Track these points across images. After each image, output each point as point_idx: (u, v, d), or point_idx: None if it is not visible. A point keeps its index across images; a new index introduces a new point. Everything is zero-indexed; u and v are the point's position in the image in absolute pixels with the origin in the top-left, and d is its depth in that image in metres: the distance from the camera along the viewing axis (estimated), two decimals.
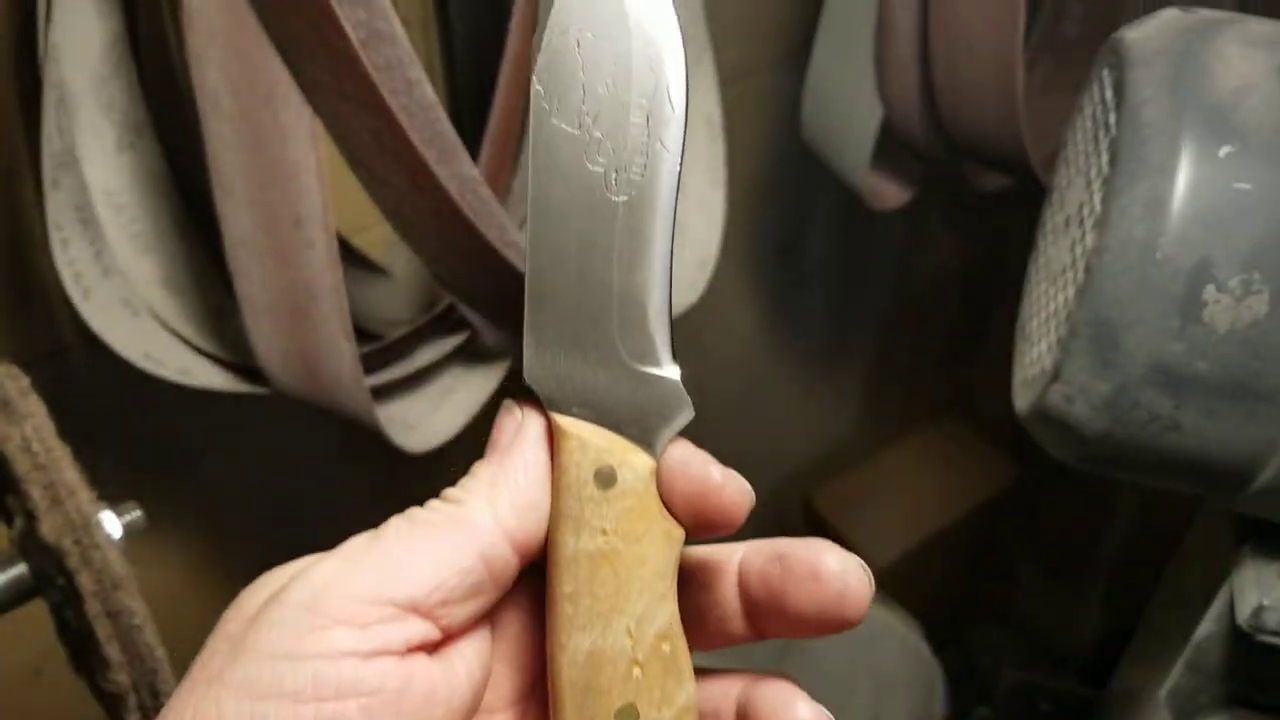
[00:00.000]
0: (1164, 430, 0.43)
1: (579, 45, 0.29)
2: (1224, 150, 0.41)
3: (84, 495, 0.38)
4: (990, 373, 0.67)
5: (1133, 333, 0.42)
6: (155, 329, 0.57)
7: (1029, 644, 1.33)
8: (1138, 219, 0.41)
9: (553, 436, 0.28)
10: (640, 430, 0.28)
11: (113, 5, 0.56)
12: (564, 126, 0.28)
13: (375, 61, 0.48)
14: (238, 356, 0.59)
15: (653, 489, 0.28)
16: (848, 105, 0.70)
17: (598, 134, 0.28)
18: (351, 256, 0.68)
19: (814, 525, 1.25)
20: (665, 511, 0.28)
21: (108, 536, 0.39)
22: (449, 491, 0.28)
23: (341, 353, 0.54)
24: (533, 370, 0.28)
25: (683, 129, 0.29)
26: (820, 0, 0.74)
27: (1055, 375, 0.45)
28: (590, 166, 0.28)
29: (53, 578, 0.39)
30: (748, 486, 0.28)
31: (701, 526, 0.28)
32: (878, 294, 1.24)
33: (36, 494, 0.37)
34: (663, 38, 0.29)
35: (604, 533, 0.28)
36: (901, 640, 1.00)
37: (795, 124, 0.79)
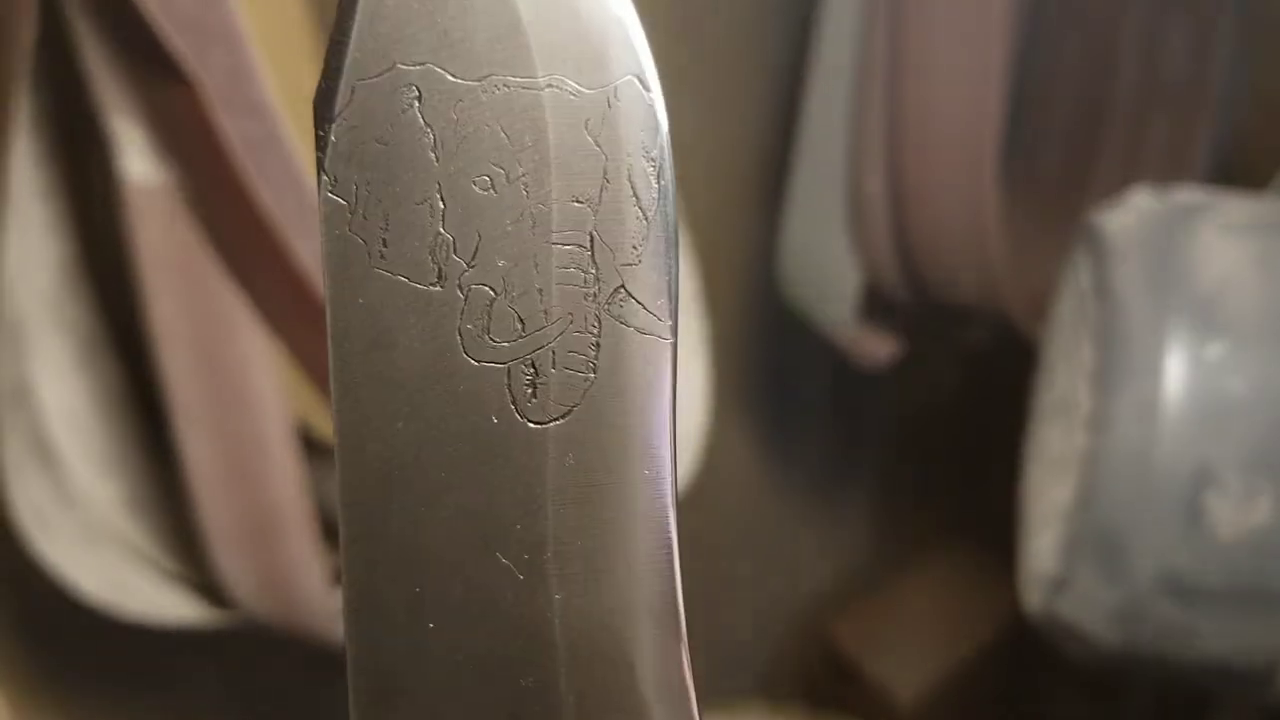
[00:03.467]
0: (1179, 639, 0.41)
1: (420, 96, 0.14)
2: (1212, 348, 0.39)
3: None
4: (1004, 490, 0.64)
5: (1136, 543, 0.40)
6: (120, 558, 0.55)
7: None
8: (1130, 424, 0.40)
9: None
10: None
11: (66, 225, 0.56)
12: (401, 278, 0.14)
13: None
14: (209, 577, 0.57)
15: None
16: (825, 267, 0.69)
17: (484, 286, 0.14)
18: (319, 448, 0.67)
19: (836, 662, 1.21)
20: None
21: None
22: None
23: (311, 574, 0.52)
24: None
25: (674, 246, 0.14)
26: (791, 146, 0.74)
27: (1062, 583, 0.42)
28: (470, 359, 0.14)
29: None
30: None
31: None
32: (878, 417, 1.22)
33: None
34: (610, 39, 0.14)
35: None
36: None
37: (778, 258, 0.78)
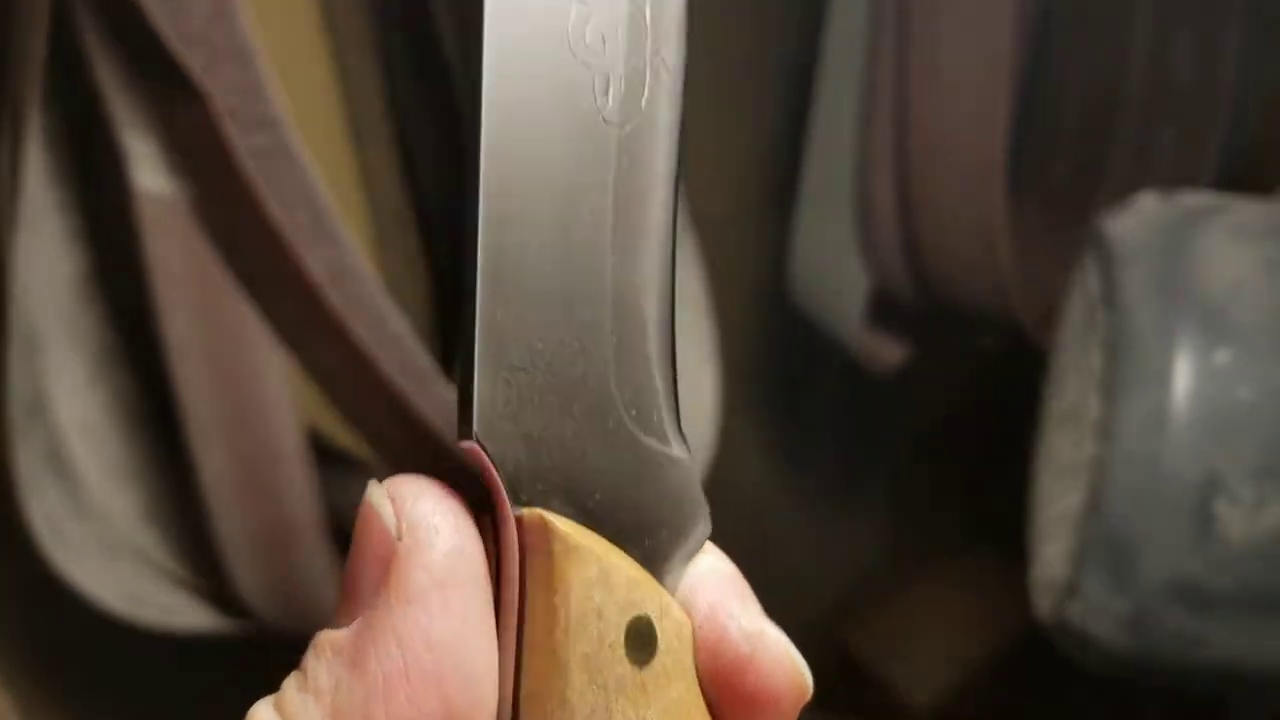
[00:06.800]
0: (1189, 646, 0.41)
1: None
2: (1221, 354, 0.39)
3: None
4: (1016, 494, 0.65)
5: (1146, 551, 0.40)
6: (136, 569, 0.55)
7: None
8: (1139, 432, 0.40)
9: (510, 552, 0.17)
10: (649, 550, 0.18)
11: (80, 239, 0.56)
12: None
13: (343, 298, 0.47)
14: (225, 587, 0.57)
15: (692, 660, 0.18)
16: (834, 272, 0.69)
17: (584, 6, 0.19)
18: (331, 455, 0.67)
19: (850, 667, 1.21)
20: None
21: None
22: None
23: (325, 582, 0.53)
24: (491, 419, 0.17)
25: (684, 45, 0.20)
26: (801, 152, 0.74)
27: (1071, 590, 0.42)
28: (572, 53, 0.19)
29: None
30: (789, 655, 0.19)
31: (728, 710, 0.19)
32: (889, 422, 1.22)
33: None
34: None
35: None
36: None
37: (788, 264, 0.79)
